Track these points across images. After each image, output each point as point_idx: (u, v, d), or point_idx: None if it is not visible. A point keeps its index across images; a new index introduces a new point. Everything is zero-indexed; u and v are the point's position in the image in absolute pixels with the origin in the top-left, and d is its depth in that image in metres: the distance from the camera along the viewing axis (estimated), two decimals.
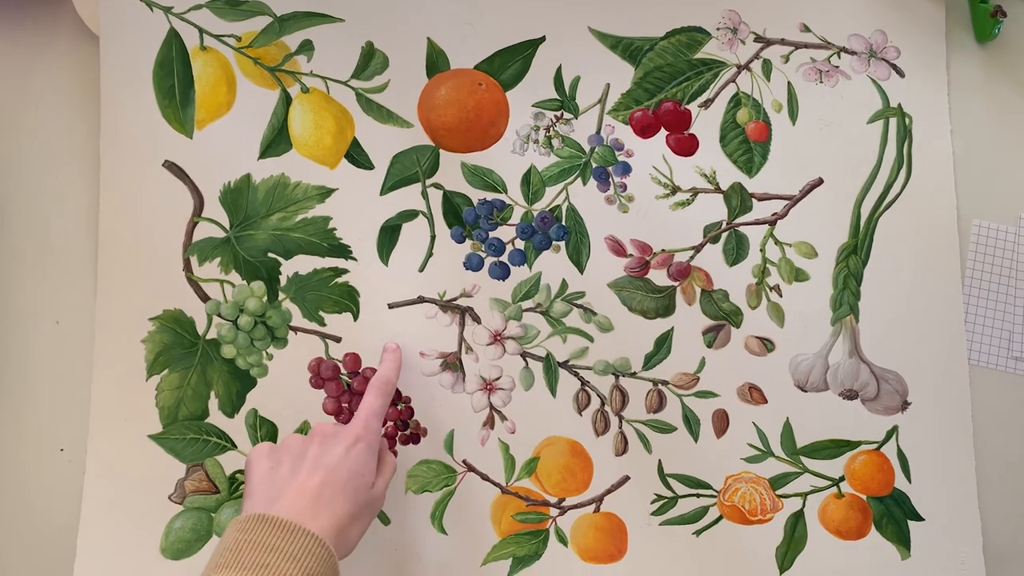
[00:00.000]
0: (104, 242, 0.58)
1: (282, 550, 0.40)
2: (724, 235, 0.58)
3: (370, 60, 0.59)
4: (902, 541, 0.55)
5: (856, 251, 0.58)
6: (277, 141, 0.59)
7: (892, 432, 0.56)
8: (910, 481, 0.56)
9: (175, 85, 0.58)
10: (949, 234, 0.58)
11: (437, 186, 0.59)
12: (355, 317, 0.57)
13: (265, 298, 0.58)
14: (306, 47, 0.59)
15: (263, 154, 0.58)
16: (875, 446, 0.56)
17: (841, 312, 0.57)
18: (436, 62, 0.59)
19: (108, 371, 0.57)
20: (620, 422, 0.57)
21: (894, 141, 0.59)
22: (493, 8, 0.59)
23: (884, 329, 0.57)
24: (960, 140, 0.59)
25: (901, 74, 0.60)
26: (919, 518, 0.56)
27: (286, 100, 0.59)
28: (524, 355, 0.57)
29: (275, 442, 0.57)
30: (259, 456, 0.47)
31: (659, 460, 0.57)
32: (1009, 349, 0.57)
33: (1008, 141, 0.59)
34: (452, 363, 0.57)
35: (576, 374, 0.57)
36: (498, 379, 0.57)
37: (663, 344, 0.57)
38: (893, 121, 0.59)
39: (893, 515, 0.56)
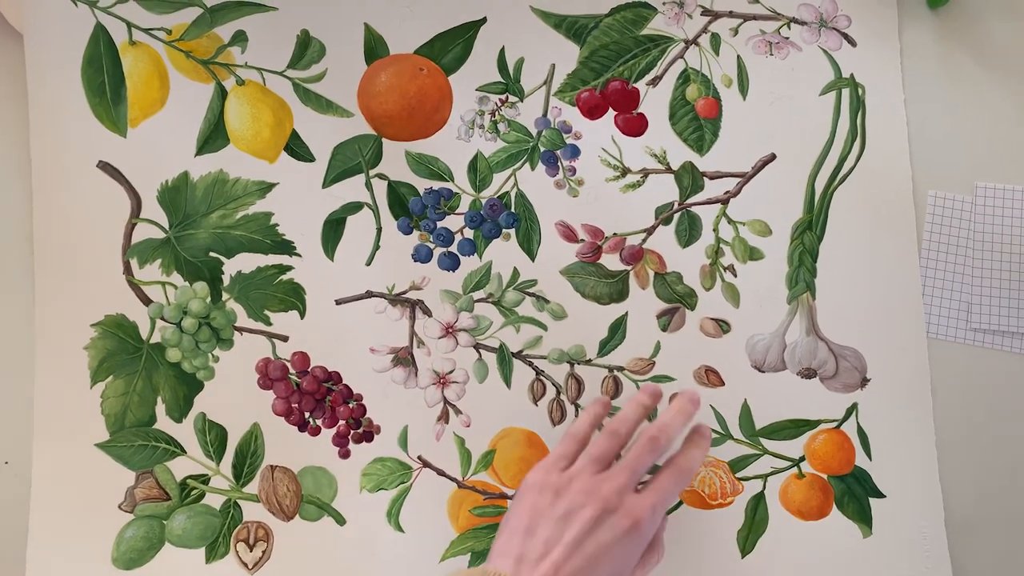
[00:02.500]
0: (40, 248, 0.56)
1: None
2: (676, 216, 0.57)
3: (306, 49, 0.57)
4: (864, 519, 0.55)
5: (811, 227, 0.57)
6: (214, 136, 0.57)
7: (852, 410, 0.56)
8: (871, 458, 0.56)
9: (105, 82, 0.57)
10: (905, 206, 0.58)
11: (381, 176, 0.57)
12: (302, 315, 0.56)
13: (208, 299, 0.56)
14: (239, 38, 0.57)
15: (200, 150, 0.57)
16: (835, 424, 0.56)
17: (797, 290, 0.57)
18: (374, 48, 0.58)
19: (51, 380, 0.56)
20: (576, 410, 0.56)
21: (847, 113, 0.58)
22: None
23: (841, 305, 0.57)
24: (914, 109, 0.58)
25: (853, 43, 0.59)
26: (880, 495, 0.55)
27: (221, 93, 0.57)
28: (477, 347, 0.57)
29: (225, 445, 0.55)
30: (539, 487, 0.45)
31: None
32: (968, 320, 0.56)
33: (962, 108, 0.58)
34: (403, 358, 0.56)
35: (530, 364, 0.56)
36: (451, 372, 0.56)
37: (617, 330, 0.57)
38: (846, 92, 0.58)
39: (854, 493, 0.55)
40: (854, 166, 0.58)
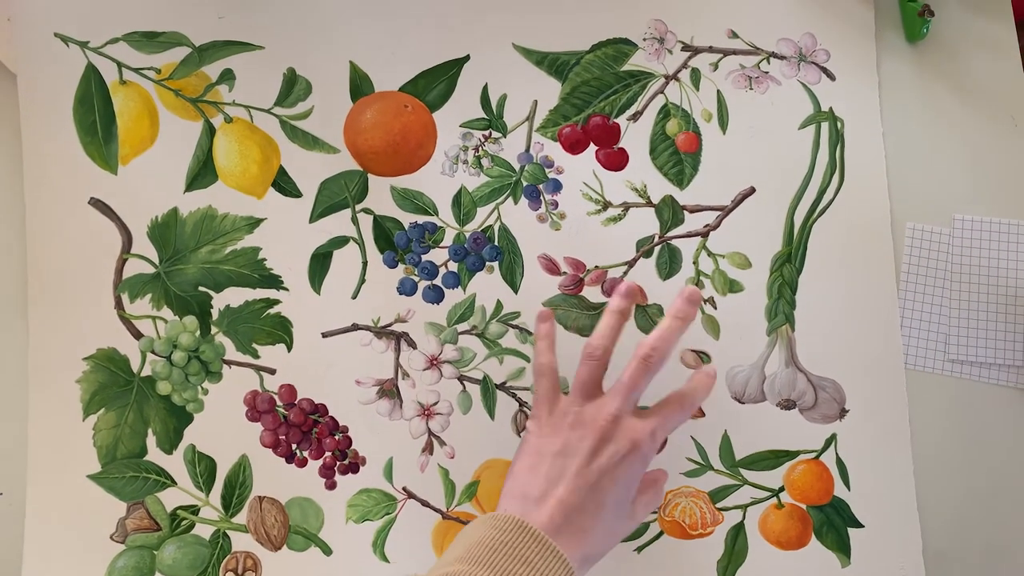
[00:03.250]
0: (33, 283, 0.58)
1: (535, 565, 0.39)
2: (657, 249, 0.58)
3: (292, 87, 0.59)
4: (842, 549, 0.56)
5: (790, 259, 0.58)
6: (203, 173, 0.58)
7: (831, 440, 0.57)
8: (849, 488, 0.56)
9: (96, 121, 0.58)
10: (883, 238, 0.58)
11: (367, 211, 0.58)
12: (289, 348, 0.58)
13: (198, 333, 0.58)
14: (227, 76, 0.58)
15: (189, 187, 0.58)
16: (814, 455, 0.57)
17: (776, 322, 0.57)
18: (360, 86, 0.59)
19: (44, 412, 0.57)
20: None
21: (826, 146, 0.59)
22: (414, 29, 0.59)
23: (820, 337, 0.58)
24: (892, 142, 0.59)
25: (832, 77, 0.59)
26: (859, 525, 0.56)
27: (210, 131, 0.58)
28: (461, 379, 0.58)
29: (214, 476, 0.57)
30: (536, 430, 0.47)
31: None
32: (945, 352, 0.57)
33: (939, 141, 0.59)
34: (389, 390, 0.57)
35: (514, 395, 0.57)
36: (436, 404, 0.57)
37: None
38: (825, 125, 0.59)
39: (833, 523, 0.56)
40: (833, 199, 0.59)
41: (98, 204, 0.59)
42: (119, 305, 0.58)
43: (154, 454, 0.58)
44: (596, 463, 0.44)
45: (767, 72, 0.60)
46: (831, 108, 0.60)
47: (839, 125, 0.60)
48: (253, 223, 0.59)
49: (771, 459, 0.58)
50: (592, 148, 0.60)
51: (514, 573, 0.39)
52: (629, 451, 0.44)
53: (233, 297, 0.59)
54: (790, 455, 0.58)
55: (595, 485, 0.43)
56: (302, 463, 0.58)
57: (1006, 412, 0.57)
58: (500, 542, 0.40)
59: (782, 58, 0.60)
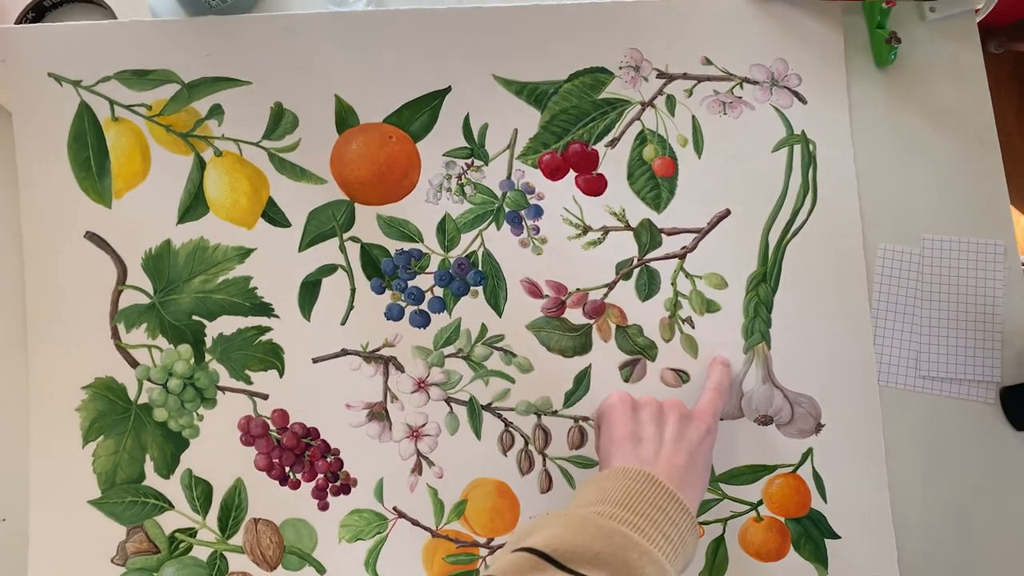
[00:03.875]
0: (32, 316, 0.60)
1: (667, 512, 0.44)
2: (636, 271, 0.60)
3: (280, 120, 0.60)
4: (820, 560, 0.58)
5: (766, 279, 0.60)
6: (194, 205, 0.60)
7: (807, 454, 0.59)
8: (826, 501, 0.58)
9: (90, 157, 0.60)
10: (856, 258, 0.60)
11: (354, 239, 0.60)
12: (281, 374, 0.60)
13: (192, 360, 0.60)
14: (216, 111, 0.60)
15: (181, 219, 0.60)
16: (791, 469, 0.59)
17: (753, 340, 0.59)
18: (345, 118, 0.61)
19: (45, 440, 0.59)
20: (544, 460, 0.59)
21: (799, 168, 0.61)
22: (397, 62, 0.61)
23: (796, 354, 0.59)
24: (863, 163, 0.61)
25: (803, 101, 0.61)
26: (835, 536, 0.58)
27: (200, 165, 0.60)
28: (448, 400, 0.59)
29: (210, 499, 0.59)
30: (622, 405, 0.52)
31: None
32: (917, 368, 0.59)
33: (909, 163, 0.61)
34: (378, 413, 0.59)
35: (499, 416, 0.59)
36: (424, 426, 0.59)
37: (582, 381, 0.59)
38: (797, 148, 0.61)
39: (810, 535, 0.58)
40: (806, 219, 0.61)
41: (93, 237, 0.61)
42: (116, 335, 0.60)
43: (152, 479, 0.60)
44: (687, 435, 0.51)
45: (740, 97, 0.62)
46: (803, 131, 0.62)
47: (811, 147, 0.62)
48: (244, 253, 0.61)
49: (750, 474, 0.59)
50: (572, 174, 0.62)
51: (651, 517, 0.43)
52: (706, 431, 0.52)
53: (226, 325, 0.61)
54: (768, 469, 0.59)
55: (689, 452, 0.50)
56: (295, 485, 0.60)
57: (976, 426, 0.59)
58: (635, 491, 0.45)
59: (755, 83, 0.62)
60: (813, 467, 0.59)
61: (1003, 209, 0.61)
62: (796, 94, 0.62)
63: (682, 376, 0.60)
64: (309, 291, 0.61)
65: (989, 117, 0.62)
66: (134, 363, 0.60)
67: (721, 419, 0.60)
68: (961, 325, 0.59)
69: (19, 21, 0.62)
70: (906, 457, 0.59)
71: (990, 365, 0.59)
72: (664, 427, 0.51)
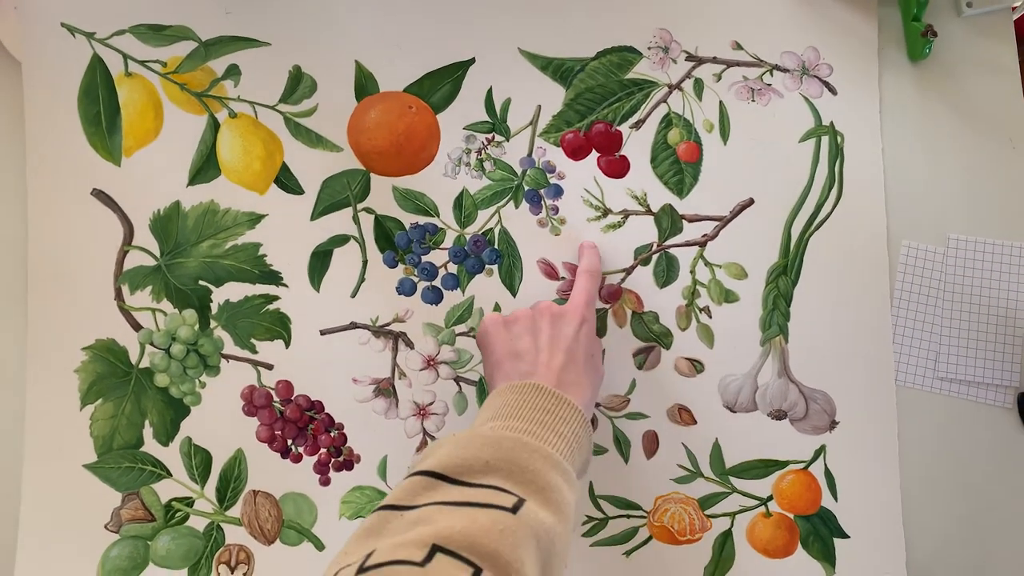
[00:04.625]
0: (34, 272, 0.58)
1: (555, 413, 0.46)
2: (655, 257, 0.59)
3: (298, 84, 0.59)
4: (828, 559, 0.57)
5: (786, 271, 0.59)
6: (206, 167, 0.59)
7: (820, 451, 0.58)
8: (836, 500, 0.57)
9: (101, 112, 0.59)
10: (878, 254, 0.59)
11: (368, 210, 0.59)
12: (287, 344, 0.58)
13: (197, 326, 0.58)
14: (233, 72, 0.59)
15: (192, 181, 0.59)
16: (803, 465, 0.58)
17: (770, 333, 0.58)
18: (365, 85, 0.59)
19: (41, 401, 0.58)
20: None
21: (826, 160, 0.59)
22: (421, 30, 0.59)
23: (813, 349, 0.59)
24: (891, 159, 0.60)
25: (833, 92, 0.60)
26: (845, 536, 0.57)
27: (214, 125, 0.59)
28: (457, 379, 0.58)
29: (209, 469, 0.57)
30: (495, 327, 0.53)
31: (590, 482, 0.58)
32: (935, 369, 0.58)
33: (937, 160, 0.60)
34: (385, 389, 0.58)
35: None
36: (431, 404, 0.58)
37: None
38: (825, 140, 0.60)
39: (819, 533, 0.57)
40: (830, 213, 0.60)
41: (100, 195, 0.59)
42: (119, 296, 0.59)
43: (150, 445, 0.58)
44: (561, 333, 0.51)
45: (770, 84, 0.61)
46: (832, 122, 0.61)
47: (839, 140, 0.60)
48: (255, 219, 0.59)
49: (760, 468, 0.59)
50: (594, 155, 0.60)
51: (541, 421, 0.45)
52: (580, 322, 0.52)
53: (233, 292, 0.59)
54: (779, 465, 0.59)
55: (567, 349, 0.50)
56: (297, 459, 0.59)
57: (992, 430, 0.58)
58: (520, 401, 0.46)
59: (785, 71, 0.61)
60: (825, 464, 0.58)
61: None
62: (826, 84, 0.61)
63: (696, 366, 0.59)
64: (320, 261, 0.60)
65: (1021, 116, 0.61)
66: (137, 326, 0.59)
67: (734, 411, 0.59)
68: (982, 328, 0.59)
69: None
70: (919, 458, 0.58)
71: (1009, 369, 0.58)
72: (539, 335, 0.51)
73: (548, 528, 0.38)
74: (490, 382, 0.52)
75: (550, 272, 0.60)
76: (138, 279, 0.59)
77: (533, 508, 0.38)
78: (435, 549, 0.34)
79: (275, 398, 0.59)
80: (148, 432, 0.59)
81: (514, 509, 0.38)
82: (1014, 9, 0.61)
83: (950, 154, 0.60)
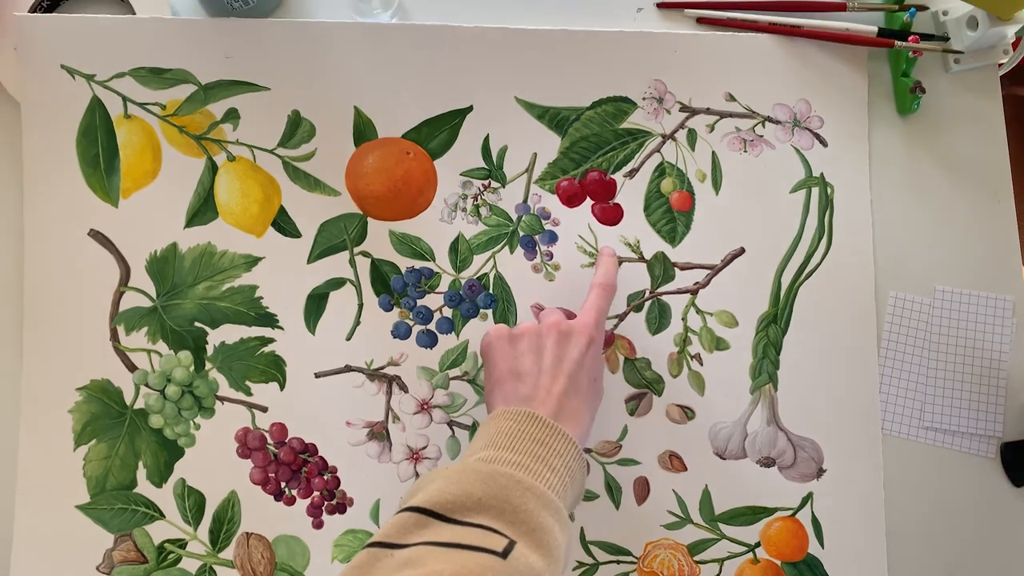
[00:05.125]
0: (30, 311, 0.59)
1: (550, 446, 0.45)
2: (647, 304, 0.60)
3: (296, 128, 0.59)
4: None
5: (776, 320, 0.60)
6: (203, 210, 0.59)
7: (807, 499, 0.59)
8: (823, 547, 0.58)
9: (99, 154, 0.59)
10: (867, 304, 0.60)
11: (365, 254, 0.60)
12: (282, 387, 0.59)
13: (192, 368, 0.59)
14: (232, 115, 0.59)
15: (189, 223, 0.59)
16: (790, 512, 0.59)
17: (760, 381, 0.59)
18: (363, 131, 0.60)
19: (35, 441, 0.58)
20: None
21: (816, 211, 0.61)
22: (420, 77, 0.60)
23: (802, 397, 0.59)
24: (879, 211, 0.61)
25: (824, 144, 0.61)
26: None
27: (212, 168, 0.59)
28: (451, 424, 0.59)
29: (203, 511, 0.58)
30: (500, 341, 0.52)
31: (581, 527, 0.58)
32: (920, 419, 0.59)
33: (924, 212, 0.61)
34: (379, 432, 0.58)
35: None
36: (424, 448, 0.58)
37: None
38: (815, 190, 0.61)
39: None
40: (820, 263, 0.61)
41: (97, 236, 0.59)
42: (115, 337, 0.59)
43: (144, 487, 0.59)
44: (566, 355, 0.50)
45: (762, 136, 0.62)
46: (822, 174, 0.62)
47: (829, 191, 0.62)
48: (251, 261, 0.60)
49: (749, 515, 0.59)
50: (588, 202, 0.61)
51: (535, 453, 0.44)
52: (588, 343, 0.51)
53: (228, 334, 0.59)
54: (767, 511, 0.59)
55: (571, 373, 0.50)
56: (290, 501, 0.59)
57: (975, 480, 0.59)
58: (516, 430, 0.45)
59: (777, 122, 0.62)
60: (812, 512, 0.59)
61: (1014, 264, 0.61)
62: (817, 136, 0.62)
63: (688, 413, 0.60)
64: (316, 304, 0.60)
65: (1005, 170, 0.62)
66: (132, 367, 0.59)
67: (724, 458, 0.60)
68: (967, 378, 0.60)
69: (34, 8, 0.60)
70: (905, 507, 0.59)
71: (992, 420, 0.59)
72: (542, 354, 0.50)
73: (537, 573, 0.38)
74: (489, 399, 0.51)
75: None
76: (134, 320, 0.59)
77: (523, 552, 0.38)
78: None
79: (269, 440, 0.59)
80: (142, 473, 0.59)
81: (504, 553, 0.38)
82: (1000, 65, 0.63)
83: (937, 206, 0.62)
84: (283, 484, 0.59)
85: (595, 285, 0.54)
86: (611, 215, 0.61)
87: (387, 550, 0.38)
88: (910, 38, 0.59)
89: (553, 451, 0.45)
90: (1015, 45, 0.62)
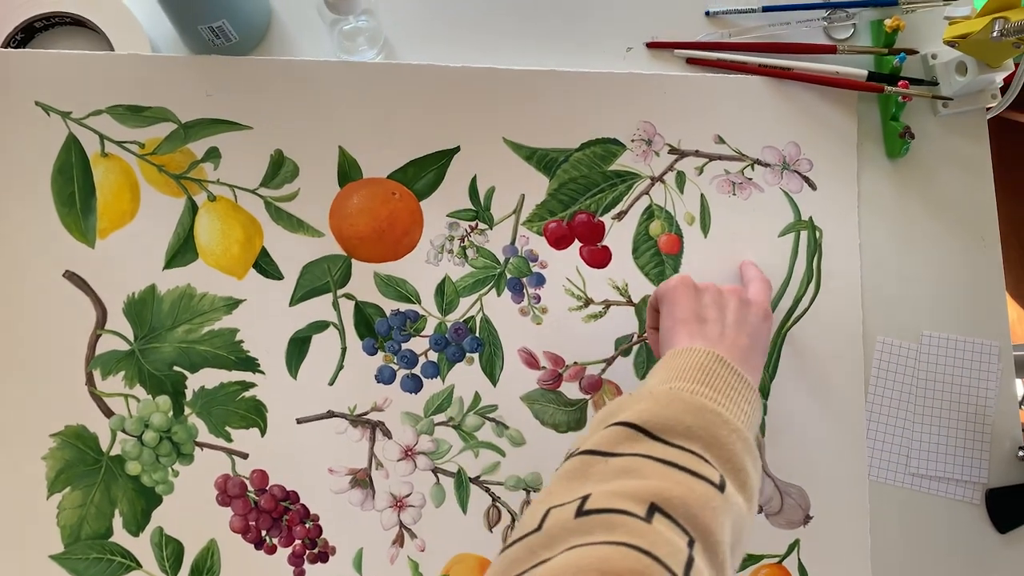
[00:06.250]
0: (1, 355, 0.57)
1: (740, 391, 0.45)
2: (635, 348, 0.60)
3: (279, 168, 0.58)
4: None
5: (764, 365, 0.59)
6: (183, 250, 0.58)
7: (794, 546, 0.59)
8: None
9: (75, 192, 0.58)
10: (855, 349, 0.60)
11: (349, 296, 0.59)
12: (262, 432, 0.58)
13: (171, 413, 0.58)
14: (213, 154, 0.58)
15: (168, 264, 0.58)
16: (777, 559, 0.59)
17: None
18: (348, 171, 0.59)
19: (6, 488, 0.58)
20: None
21: (804, 254, 0.60)
22: (406, 117, 0.59)
23: (789, 443, 0.60)
24: (868, 254, 0.61)
25: (813, 187, 0.61)
26: None
27: (192, 208, 0.58)
28: (435, 471, 0.58)
29: (181, 560, 0.56)
30: (685, 287, 0.52)
31: None
32: (907, 465, 0.59)
33: (913, 256, 0.61)
34: (362, 480, 0.58)
35: (487, 490, 0.58)
36: (408, 496, 0.58)
37: None
38: (804, 234, 0.61)
39: None
40: (808, 307, 0.61)
41: (73, 277, 0.58)
42: (90, 381, 0.58)
43: (120, 535, 0.57)
44: (748, 319, 0.51)
45: (751, 179, 0.62)
46: (811, 217, 0.62)
47: (818, 235, 0.61)
48: (232, 304, 0.59)
49: None
50: (576, 244, 0.61)
51: (729, 395, 0.44)
52: (764, 316, 0.52)
53: (208, 378, 0.58)
54: (755, 559, 0.59)
55: (751, 334, 0.50)
56: (271, 550, 0.58)
57: (960, 526, 0.60)
58: (707, 368, 0.45)
59: (766, 165, 0.62)
60: (799, 559, 0.59)
61: (1000, 309, 0.62)
62: (806, 179, 0.62)
63: None
64: (298, 348, 0.59)
65: (992, 214, 0.62)
66: (108, 412, 0.58)
67: None
68: (953, 424, 0.60)
69: (7, 42, 0.59)
70: (890, 553, 0.59)
71: (978, 466, 0.60)
72: (725, 310, 0.51)
73: (743, 514, 0.39)
74: (667, 339, 0.51)
75: (531, 361, 0.60)
76: (111, 364, 0.58)
77: (732, 490, 0.39)
78: (654, 508, 0.35)
79: (250, 488, 0.58)
80: (118, 522, 0.58)
81: (721, 487, 0.38)
82: (988, 110, 0.63)
83: (925, 250, 0.62)
84: (264, 532, 0.58)
85: (752, 279, 0.56)
86: (599, 257, 0.61)
87: (600, 457, 0.39)
88: (900, 83, 0.59)
89: (743, 396, 0.45)
90: (1008, 79, 0.62)
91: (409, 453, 0.59)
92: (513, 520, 0.59)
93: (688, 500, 0.35)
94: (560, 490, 0.37)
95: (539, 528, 0.35)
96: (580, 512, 0.34)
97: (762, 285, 0.55)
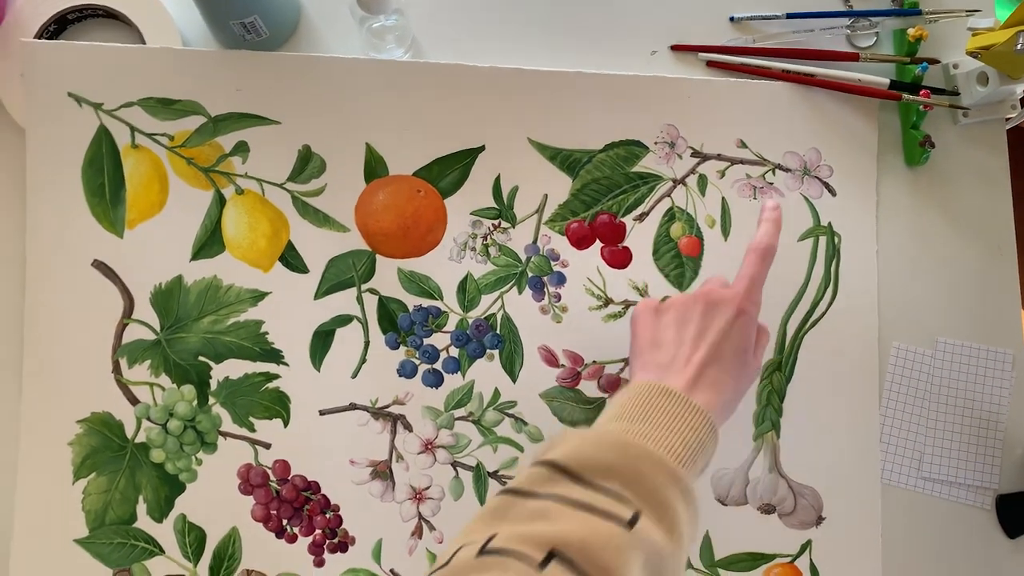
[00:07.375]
0: (30, 342, 0.58)
1: (683, 418, 0.45)
2: None
3: (307, 163, 0.59)
4: None
5: (780, 368, 0.60)
6: (210, 243, 0.59)
7: (806, 546, 0.60)
8: None
9: (105, 183, 0.59)
10: (870, 354, 0.61)
11: (373, 291, 0.60)
12: (285, 423, 0.59)
13: (195, 402, 0.58)
14: (241, 148, 0.59)
15: (195, 255, 0.59)
16: (789, 559, 0.60)
17: (763, 428, 0.60)
18: (374, 168, 0.60)
19: (33, 473, 0.58)
20: None
21: (822, 260, 0.61)
22: (432, 116, 0.60)
23: (803, 445, 0.60)
24: (885, 261, 0.62)
25: (833, 193, 0.62)
26: None
27: (220, 201, 0.59)
28: (455, 464, 0.59)
29: (203, 547, 0.58)
30: (646, 313, 0.52)
31: None
32: (919, 469, 0.60)
33: (929, 263, 0.62)
34: (382, 472, 0.59)
35: (505, 484, 0.58)
36: (428, 488, 0.59)
37: None
38: (823, 239, 0.62)
39: None
40: (825, 312, 0.62)
41: (101, 267, 0.59)
42: (117, 370, 0.59)
43: (144, 521, 0.59)
44: (711, 326, 0.50)
45: (772, 183, 0.63)
46: (830, 223, 0.62)
47: (836, 240, 0.62)
48: (258, 296, 0.60)
49: (748, 561, 0.60)
50: (597, 245, 0.62)
51: (668, 425, 0.45)
52: (736, 314, 0.50)
53: (233, 369, 0.59)
54: (767, 558, 0.60)
55: (714, 343, 0.49)
56: (292, 539, 0.59)
57: (971, 531, 0.61)
58: (646, 402, 0.46)
59: (787, 170, 0.63)
60: (811, 559, 0.60)
61: (1015, 318, 0.63)
62: (826, 185, 0.63)
63: None
64: (322, 341, 0.60)
65: (1009, 224, 0.63)
66: (134, 400, 0.59)
67: (725, 504, 0.60)
68: (966, 430, 0.61)
69: (40, 34, 0.60)
70: (902, 556, 0.60)
71: (989, 472, 0.61)
72: (685, 327, 0.50)
73: (659, 549, 0.39)
74: (631, 368, 0.52)
75: (550, 359, 0.61)
76: (137, 353, 0.59)
77: (648, 525, 0.39)
78: (552, 554, 0.36)
79: (271, 477, 0.59)
80: (142, 508, 0.59)
81: (630, 523, 0.39)
82: (1008, 120, 0.64)
83: (941, 258, 0.63)
84: (285, 521, 0.59)
85: (750, 249, 0.52)
86: (620, 258, 0.62)
87: (520, 498, 0.40)
88: (921, 92, 0.60)
89: (686, 423, 0.45)
90: None
91: (429, 446, 0.60)
92: None
93: (588, 541, 0.36)
94: (477, 528, 0.39)
95: (447, 564, 0.37)
96: (482, 551, 0.36)
97: (749, 266, 0.52)
